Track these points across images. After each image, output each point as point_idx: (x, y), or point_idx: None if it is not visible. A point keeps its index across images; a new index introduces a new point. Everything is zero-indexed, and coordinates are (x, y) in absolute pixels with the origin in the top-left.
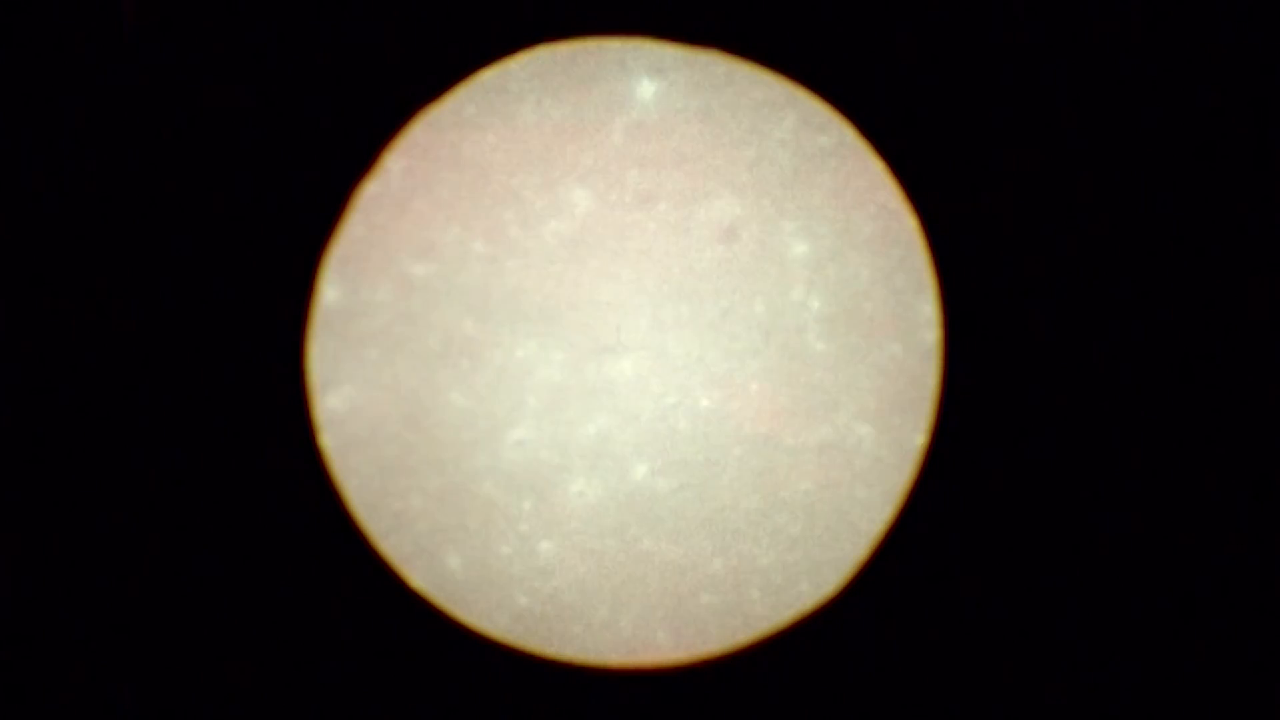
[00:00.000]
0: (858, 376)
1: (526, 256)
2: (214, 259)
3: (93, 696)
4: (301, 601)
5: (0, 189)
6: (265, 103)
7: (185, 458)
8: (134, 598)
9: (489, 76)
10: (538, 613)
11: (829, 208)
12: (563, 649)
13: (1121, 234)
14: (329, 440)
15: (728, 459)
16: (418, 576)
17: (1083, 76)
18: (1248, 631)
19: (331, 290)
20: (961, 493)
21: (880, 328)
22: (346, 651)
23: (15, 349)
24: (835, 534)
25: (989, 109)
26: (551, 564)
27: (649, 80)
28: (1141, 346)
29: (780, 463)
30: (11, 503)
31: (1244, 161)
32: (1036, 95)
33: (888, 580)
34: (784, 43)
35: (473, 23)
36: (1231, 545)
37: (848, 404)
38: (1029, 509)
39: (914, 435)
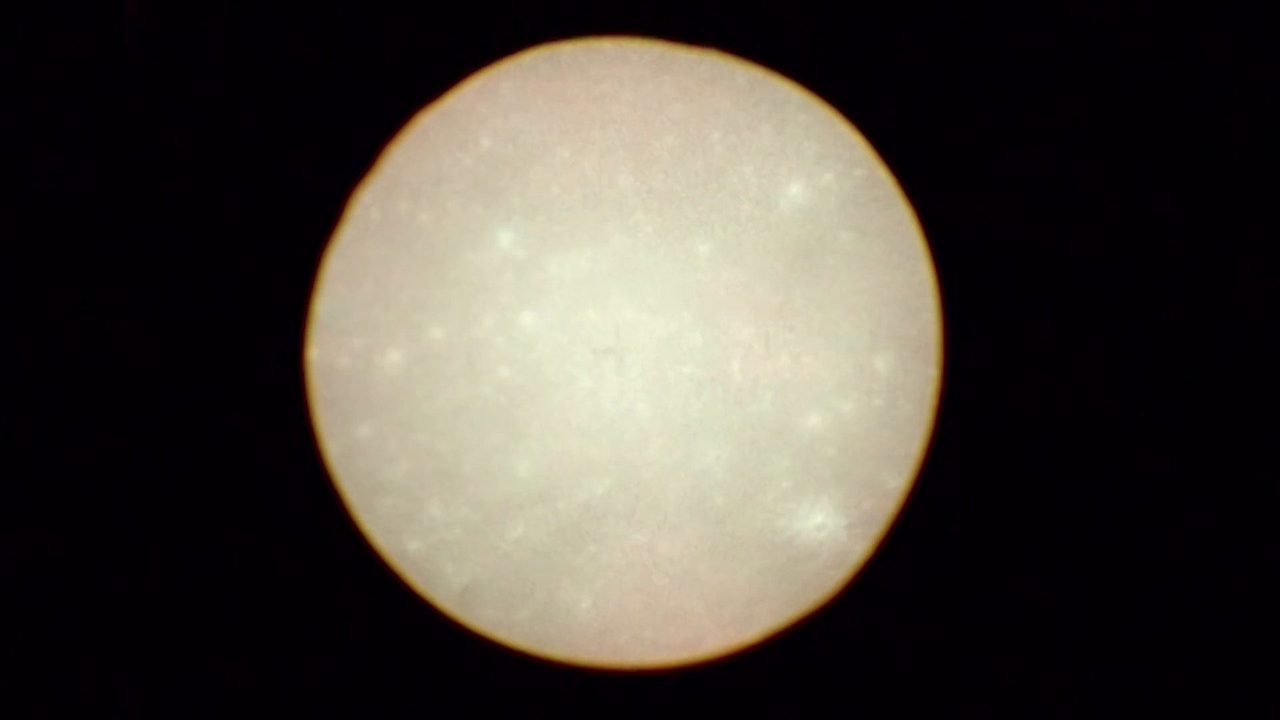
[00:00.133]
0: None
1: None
2: (214, 259)
3: (93, 696)
4: (301, 601)
5: (0, 189)
6: (265, 103)
7: (185, 458)
8: (134, 597)
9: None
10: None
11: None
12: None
13: (1122, 233)
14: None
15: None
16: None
17: (1083, 76)
18: (1248, 631)
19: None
20: (961, 492)
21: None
22: (346, 651)
23: (15, 349)
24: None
25: (989, 109)
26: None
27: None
28: (1141, 346)
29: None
30: (12, 503)
31: (1244, 161)
32: (1036, 95)
33: (888, 580)
34: (784, 42)
35: (472, 23)
36: (1231, 545)
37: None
38: (1029, 509)
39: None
